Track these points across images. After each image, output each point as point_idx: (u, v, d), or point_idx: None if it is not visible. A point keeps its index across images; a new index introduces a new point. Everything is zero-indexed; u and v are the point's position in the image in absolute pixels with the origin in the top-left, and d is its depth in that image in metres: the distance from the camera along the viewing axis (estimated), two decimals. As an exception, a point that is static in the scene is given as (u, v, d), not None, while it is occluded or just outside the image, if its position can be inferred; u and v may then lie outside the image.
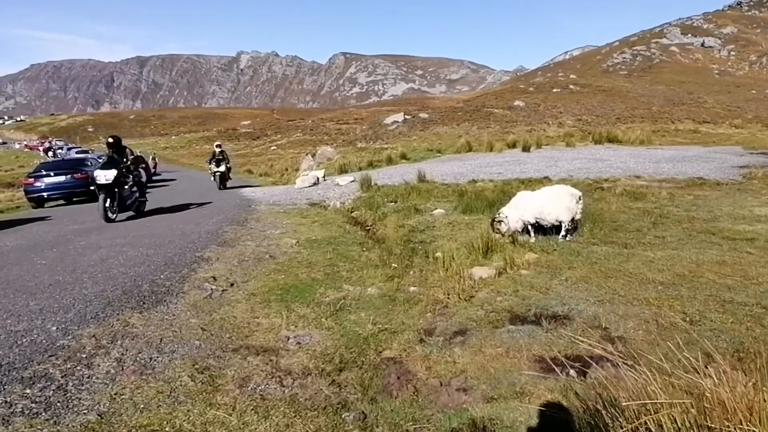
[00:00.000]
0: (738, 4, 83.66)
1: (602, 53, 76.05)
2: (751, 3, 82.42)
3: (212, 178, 18.01)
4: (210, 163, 17.91)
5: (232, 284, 4.61)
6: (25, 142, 70.81)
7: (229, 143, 60.64)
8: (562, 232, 6.36)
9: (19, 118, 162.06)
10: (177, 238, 6.79)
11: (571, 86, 46.61)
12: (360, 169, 18.13)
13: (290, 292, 4.58)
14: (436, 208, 9.26)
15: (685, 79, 54.08)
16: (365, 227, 9.57)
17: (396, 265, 6.52)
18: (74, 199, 15.51)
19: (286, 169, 26.63)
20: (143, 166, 25.34)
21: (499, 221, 6.97)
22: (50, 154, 46.69)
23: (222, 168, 17.46)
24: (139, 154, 35.78)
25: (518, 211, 6.64)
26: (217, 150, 18.10)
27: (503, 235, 6.89)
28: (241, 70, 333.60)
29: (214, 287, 4.34)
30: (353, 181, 13.35)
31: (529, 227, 6.63)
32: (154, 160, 33.70)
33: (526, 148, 18.52)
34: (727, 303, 3.81)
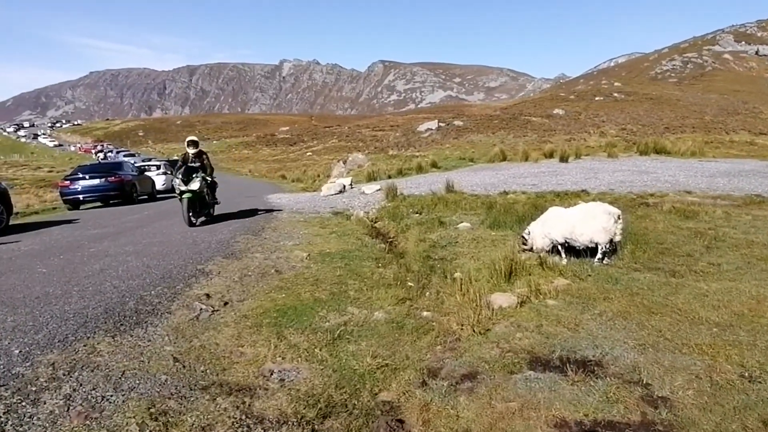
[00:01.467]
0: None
1: (650, 60, 72.54)
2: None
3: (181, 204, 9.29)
4: (176, 177, 9.43)
5: (225, 303, 4.30)
6: (79, 145, 75.39)
7: (266, 148, 62.14)
8: (598, 255, 5.69)
9: (76, 122, 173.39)
10: (186, 247, 6.62)
11: (615, 94, 44.46)
12: (389, 177, 17.76)
13: (287, 315, 4.20)
14: (461, 222, 8.71)
15: (740, 88, 50.49)
16: (386, 239, 9.15)
17: (412, 284, 6.07)
18: (111, 201, 15.99)
19: (318, 175, 26.66)
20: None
21: (525, 240, 6.38)
22: (101, 156, 49.31)
23: (195, 185, 9.16)
24: (177, 157, 37.02)
25: (545, 230, 6.02)
26: (191, 152, 9.71)
27: (532, 253, 6.29)
28: (283, 77, 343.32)
29: (204, 307, 4.03)
30: (379, 189, 12.99)
31: (560, 247, 5.99)
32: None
33: (564, 159, 17.54)
34: (801, 355, 3.10)
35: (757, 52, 64.06)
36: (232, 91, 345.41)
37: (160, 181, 20.14)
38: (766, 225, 7.30)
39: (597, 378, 2.97)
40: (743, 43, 67.15)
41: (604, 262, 5.70)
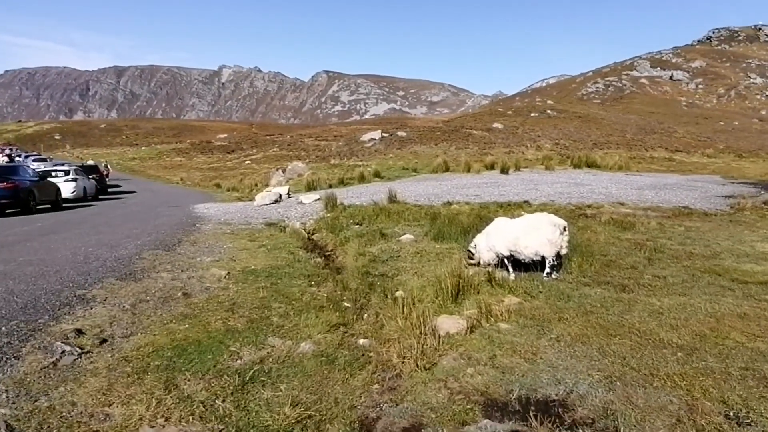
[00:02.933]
0: (708, 39, 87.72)
1: (577, 82, 78.12)
2: (721, 38, 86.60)
3: None
4: None
5: (102, 341, 3.34)
6: (-17, 148, 66.88)
7: (202, 156, 58.77)
8: (547, 269, 5.34)
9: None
10: (72, 266, 5.45)
11: (549, 111, 47.06)
12: (330, 186, 16.99)
13: (186, 354, 3.33)
14: (404, 233, 8.17)
15: (655, 109, 55.59)
16: (324, 253, 8.39)
17: (349, 305, 5.36)
18: (6, 211, 13.70)
19: (256, 185, 25.24)
20: (96, 176, 23.67)
21: (472, 253, 5.93)
22: (5, 159, 43.81)
23: None
24: (93, 162, 33.78)
25: (490, 242, 5.60)
26: None
27: (479, 268, 5.84)
28: (223, 83, 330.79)
29: (69, 348, 3.06)
30: (318, 199, 12.20)
31: (506, 261, 5.59)
32: (107, 167, 31.79)
33: (504, 170, 17.80)
34: (773, 382, 2.79)
35: (671, 77, 71.06)
36: (166, 95, 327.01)
37: (68, 189, 17.81)
38: (699, 236, 7.44)
39: (564, 425, 2.44)
40: (659, 68, 74.30)
41: (553, 276, 5.35)
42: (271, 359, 3.37)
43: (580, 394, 2.75)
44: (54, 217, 11.56)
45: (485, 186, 14.35)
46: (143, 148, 71.20)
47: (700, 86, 69.55)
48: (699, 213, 9.76)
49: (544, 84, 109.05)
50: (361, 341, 4.23)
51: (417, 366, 3.21)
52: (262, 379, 3.06)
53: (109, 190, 25.92)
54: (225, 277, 5.51)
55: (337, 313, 4.73)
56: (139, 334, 3.63)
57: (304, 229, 10.14)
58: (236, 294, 4.94)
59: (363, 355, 3.83)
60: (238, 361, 3.26)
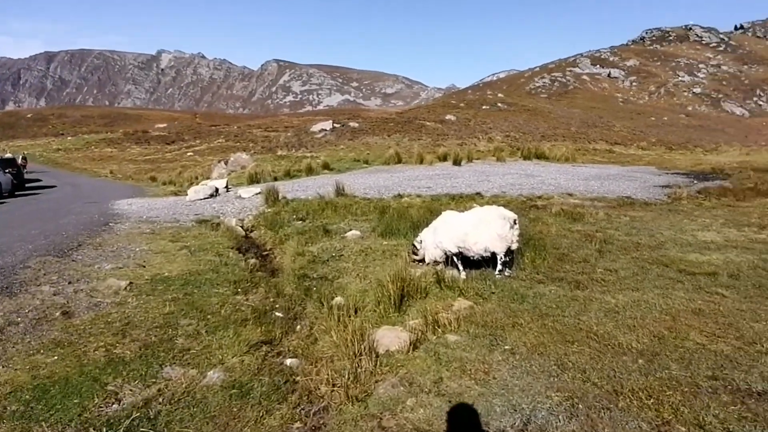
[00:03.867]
0: (641, 39, 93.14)
1: (525, 77, 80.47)
2: (654, 37, 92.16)
3: None
4: None
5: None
6: None
7: (137, 147, 54.83)
8: (498, 266, 4.94)
9: None
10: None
11: (499, 104, 47.97)
12: (275, 179, 16.02)
13: (47, 397, 2.56)
14: (351, 229, 7.57)
15: (595, 105, 58.35)
16: (260, 253, 7.62)
17: (281, 315, 4.71)
18: None
19: (196, 177, 23.59)
20: (14, 171, 21.10)
21: (416, 249, 5.46)
22: None
23: None
24: (9, 155, 30.42)
25: (437, 238, 5.15)
26: None
27: (426, 267, 5.37)
28: (162, 70, 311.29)
29: None
30: (260, 193, 11.30)
31: (455, 258, 5.15)
32: (24, 160, 28.71)
33: (457, 162, 17.60)
34: (743, 393, 2.48)
35: (609, 75, 74.83)
36: (98, 81, 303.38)
37: (-20, 184, 15.68)
38: (643, 225, 7.41)
39: (523, 472, 1.96)
40: (598, 66, 77.96)
41: (506, 273, 4.98)
42: (162, 399, 2.68)
43: (539, 424, 2.30)
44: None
45: (437, 178, 14.02)
46: (69, 138, 65.54)
47: (634, 84, 73.80)
48: (641, 203, 9.90)
49: (494, 78, 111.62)
50: (289, 361, 3.61)
51: (348, 397, 2.64)
52: (142, 430, 2.36)
53: (27, 185, 23.26)
54: (125, 288, 4.66)
55: (263, 328, 4.07)
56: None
57: (241, 226, 9.28)
58: (134, 311, 4.13)
59: (287, 381, 3.21)
60: (114, 406, 2.54)
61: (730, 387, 2.58)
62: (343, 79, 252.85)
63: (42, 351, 3.14)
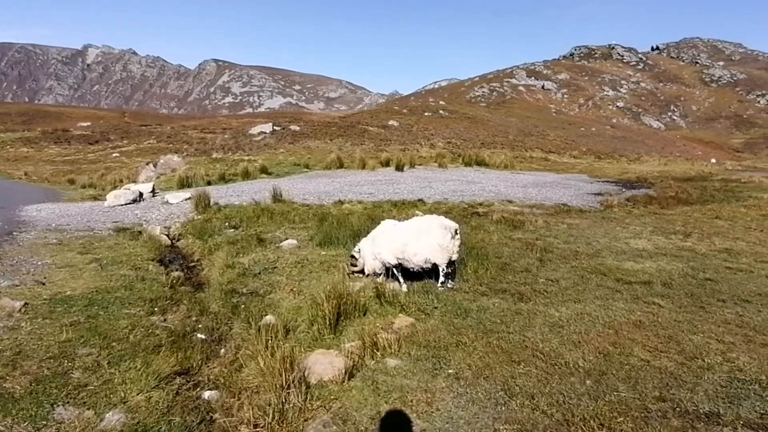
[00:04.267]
0: (571, 55, 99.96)
1: (465, 86, 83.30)
2: (582, 54, 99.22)
3: None
4: None
5: None
6: None
7: (55, 146, 49.95)
8: (441, 278, 4.73)
9: None
10: None
11: (441, 111, 49.06)
12: (209, 183, 14.98)
13: None
14: (287, 238, 7.07)
15: (531, 114, 61.59)
16: (187, 265, 6.91)
17: (204, 336, 4.16)
18: None
19: (121, 181, 21.65)
20: None
21: (355, 259, 5.13)
22: None
23: None
24: None
25: (376, 249, 4.85)
26: None
27: (366, 278, 5.05)
28: (88, 65, 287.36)
29: None
30: (189, 198, 10.41)
31: (395, 270, 4.88)
32: None
33: (399, 167, 17.51)
34: (692, 417, 2.38)
35: (543, 87, 79.46)
36: (18, 76, 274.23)
37: None
38: (580, 233, 7.60)
39: None
40: (533, 78, 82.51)
41: (449, 285, 4.77)
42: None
43: (488, 468, 2.02)
44: None
45: (380, 183, 13.79)
46: (-23, 135, 58.48)
47: (565, 96, 78.97)
48: (576, 210, 10.26)
49: (436, 86, 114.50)
50: (207, 394, 3.12)
51: (269, 445, 2.22)
52: None
53: None
54: (19, 310, 3.90)
55: (179, 354, 3.53)
56: None
57: (167, 235, 8.45)
58: (27, 337, 3.44)
59: (202, 421, 2.74)
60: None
61: (678, 409, 2.47)
62: (285, 81, 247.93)
63: None
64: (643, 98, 78.27)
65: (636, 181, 16.26)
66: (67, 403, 2.66)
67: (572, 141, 45.03)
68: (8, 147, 52.28)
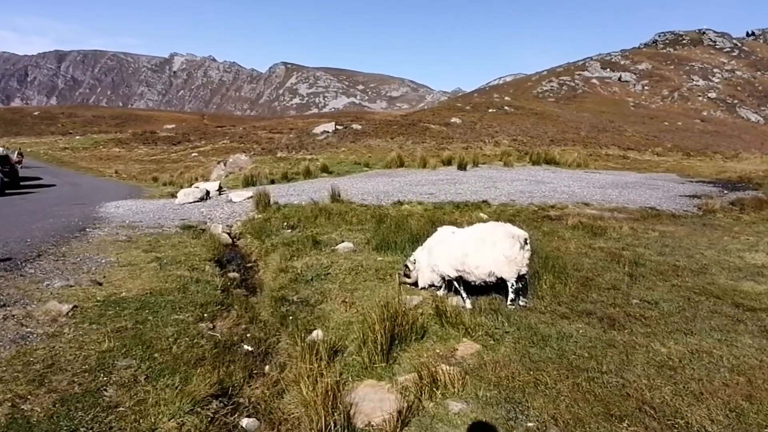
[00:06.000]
0: (654, 42, 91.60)
1: (532, 81, 79.42)
2: (667, 41, 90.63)
3: None
4: None
5: None
6: None
7: (144, 147, 54.51)
8: (510, 295, 4.09)
9: None
10: None
11: (506, 108, 46.99)
12: (272, 181, 15.23)
13: None
14: (342, 241, 6.75)
15: (605, 109, 57.13)
16: (244, 265, 6.83)
17: (251, 348, 3.89)
18: None
19: (196, 179, 22.93)
20: (5, 168, 20.52)
21: (409, 270, 4.64)
22: None
23: None
24: (3, 152, 30.02)
25: (432, 260, 4.32)
26: None
27: (423, 291, 4.54)
28: (174, 72, 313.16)
29: None
30: (251, 197, 10.51)
31: (456, 284, 4.31)
32: (20, 155, 28.21)
33: (462, 166, 16.72)
34: None
35: (619, 78, 73.48)
36: (111, 82, 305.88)
37: (-38, 180, 15.05)
38: (677, 243, 6.51)
39: None
40: (608, 69, 76.67)
41: (520, 303, 4.12)
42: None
43: None
44: None
45: (441, 183, 13.16)
46: (77, 137, 65.55)
47: (645, 88, 72.48)
48: (667, 215, 8.99)
49: (501, 82, 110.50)
50: (245, 422, 2.80)
51: None
52: None
53: (24, 183, 22.65)
54: (67, 314, 3.86)
55: (221, 370, 3.25)
56: None
57: (228, 234, 8.50)
58: (66, 346, 3.33)
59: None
60: None
61: None
62: (349, 81, 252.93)
63: None
64: (739, 88, 69.78)
65: (738, 181, 14.17)
66: (90, 429, 2.43)
67: (654, 137, 41.07)
68: (101, 147, 58.02)
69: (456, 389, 2.59)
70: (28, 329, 3.51)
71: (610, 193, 11.40)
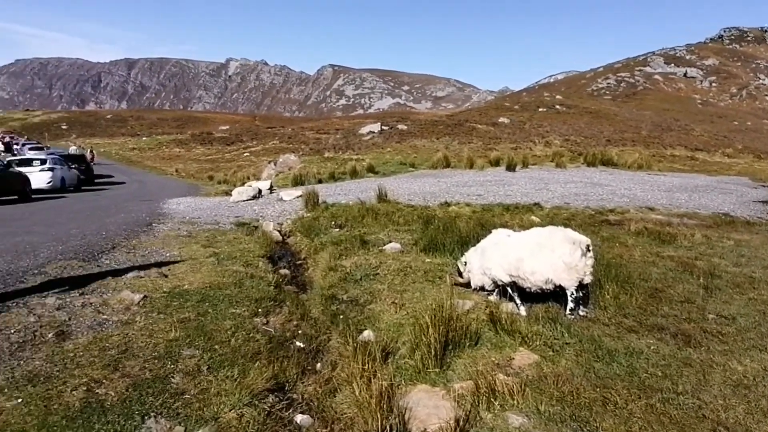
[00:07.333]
0: (719, 38, 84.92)
1: (587, 78, 75.84)
2: (733, 37, 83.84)
3: None
4: None
5: None
6: (-16, 136, 65.77)
7: (201, 147, 57.47)
8: (570, 304, 3.88)
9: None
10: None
11: (558, 106, 45.19)
12: (320, 181, 15.55)
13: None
14: (390, 241, 6.73)
15: (670, 107, 53.44)
16: (294, 263, 6.98)
17: (302, 345, 3.95)
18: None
19: (248, 178, 23.88)
20: (81, 166, 22.33)
21: (461, 271, 4.54)
22: (2, 147, 42.45)
23: None
24: (75, 150, 32.63)
25: (485, 263, 4.18)
26: None
27: (475, 295, 4.42)
28: (229, 76, 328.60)
29: None
30: (301, 196, 10.76)
31: (509, 290, 4.15)
32: (92, 152, 30.56)
33: (510, 167, 16.25)
34: None
35: (685, 74, 68.53)
36: (174, 87, 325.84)
37: (43, 179, 16.47)
38: (754, 253, 5.95)
39: None
40: (672, 65, 71.77)
41: (580, 313, 3.91)
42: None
43: None
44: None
45: (489, 184, 12.84)
46: (144, 138, 70.23)
47: (713, 84, 67.24)
48: (742, 222, 8.26)
49: (551, 80, 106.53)
50: (299, 418, 2.83)
51: None
52: None
53: (97, 180, 24.55)
54: (138, 303, 4.09)
55: (276, 365, 3.31)
56: None
57: (279, 231, 8.74)
58: (138, 333, 3.52)
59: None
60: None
61: None
62: (394, 82, 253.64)
63: (6, 390, 2.56)
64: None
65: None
66: (160, 414, 2.54)
67: (724, 137, 37.98)
68: (164, 147, 61.79)
69: (515, 401, 2.48)
70: (104, 316, 3.75)
71: (679, 197, 10.64)
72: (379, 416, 2.37)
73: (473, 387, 2.59)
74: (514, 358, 3.02)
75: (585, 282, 3.92)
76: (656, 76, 68.38)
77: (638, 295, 4.22)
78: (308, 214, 9.31)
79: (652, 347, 3.21)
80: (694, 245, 6.26)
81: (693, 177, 15.15)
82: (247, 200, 11.31)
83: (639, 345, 3.24)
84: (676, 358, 3.05)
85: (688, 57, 75.20)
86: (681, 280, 4.74)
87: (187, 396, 2.83)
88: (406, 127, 29.19)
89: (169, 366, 3.13)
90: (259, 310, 4.47)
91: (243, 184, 19.55)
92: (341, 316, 4.34)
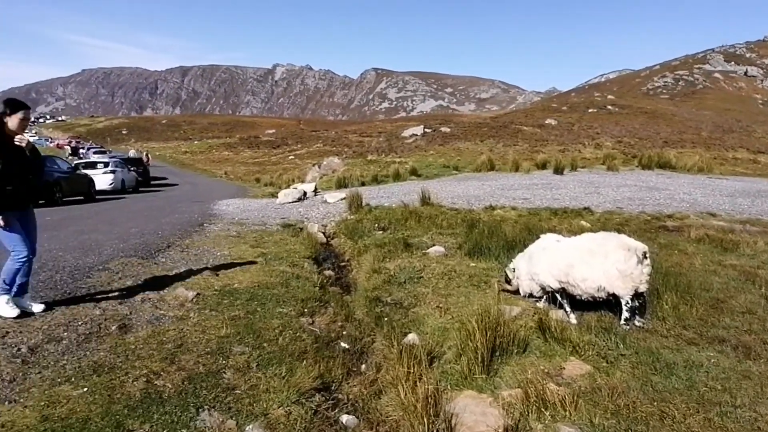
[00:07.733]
0: (779, 35, 77.86)
1: (641, 76, 72.02)
2: (793, 34, 76.76)
3: None
4: None
5: None
6: (55, 141, 71.89)
7: (248, 150, 59.73)
8: (625, 314, 3.70)
9: (60, 118, 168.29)
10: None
11: (609, 107, 43.14)
12: (363, 183, 15.72)
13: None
14: (433, 244, 6.70)
15: (730, 106, 49.64)
16: (338, 264, 7.10)
17: (347, 346, 4.02)
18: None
19: (293, 180, 24.59)
20: (139, 169, 23.86)
21: (509, 278, 4.45)
22: (70, 151, 46.18)
23: None
24: (134, 154, 34.76)
25: (532, 268, 4.07)
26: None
27: (523, 301, 4.31)
28: (276, 81, 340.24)
29: None
30: (344, 198, 10.94)
31: (559, 296, 4.02)
32: (148, 156, 32.46)
33: (558, 170, 15.71)
34: None
35: (746, 73, 63.61)
36: (224, 93, 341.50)
37: (105, 181, 17.76)
38: (831, 265, 5.41)
39: None
40: (732, 63, 66.76)
41: (636, 323, 3.72)
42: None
43: None
44: (69, 211, 11.10)
45: (536, 188, 12.48)
46: (195, 142, 73.89)
47: (776, 83, 61.87)
48: (816, 230, 7.53)
49: (602, 79, 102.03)
50: (345, 419, 2.88)
51: None
52: None
53: (152, 182, 26.11)
54: (192, 300, 4.32)
55: (322, 365, 3.39)
56: (6, 404, 2.45)
57: (323, 233, 8.92)
58: (192, 329, 3.72)
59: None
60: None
61: None
62: (437, 85, 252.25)
63: (73, 379, 2.79)
64: None
65: None
66: (213, 407, 2.67)
67: (790, 139, 34.74)
68: (214, 151, 64.74)
69: (567, 412, 2.40)
70: (161, 311, 3.99)
71: (741, 203, 9.89)
72: (425, 420, 2.37)
73: (522, 395, 2.54)
74: (564, 368, 2.93)
75: (640, 291, 3.75)
76: (716, 75, 63.90)
77: (699, 306, 3.97)
78: (352, 217, 9.44)
79: (712, 360, 3.02)
80: (757, 253, 5.81)
81: (756, 181, 14.03)
82: (293, 202, 11.63)
83: (699, 358, 3.05)
84: (735, 370, 2.86)
85: (748, 55, 69.78)
86: (743, 290, 4.42)
87: (237, 391, 2.95)
88: (449, 130, 28.93)
89: (221, 361, 3.28)
90: (305, 310, 4.59)
91: (288, 186, 20.11)
92: (385, 319, 4.37)
